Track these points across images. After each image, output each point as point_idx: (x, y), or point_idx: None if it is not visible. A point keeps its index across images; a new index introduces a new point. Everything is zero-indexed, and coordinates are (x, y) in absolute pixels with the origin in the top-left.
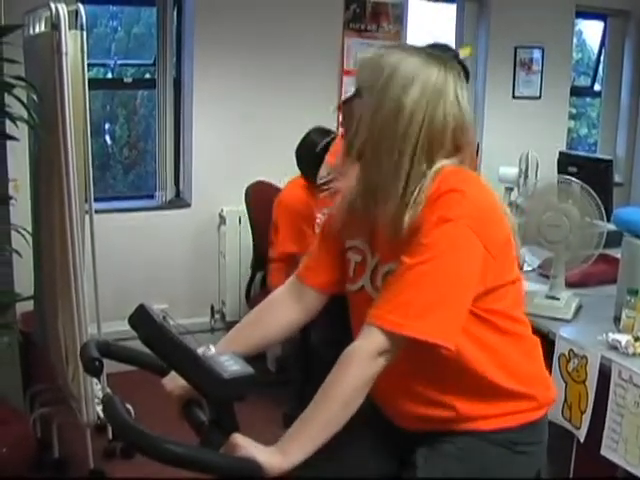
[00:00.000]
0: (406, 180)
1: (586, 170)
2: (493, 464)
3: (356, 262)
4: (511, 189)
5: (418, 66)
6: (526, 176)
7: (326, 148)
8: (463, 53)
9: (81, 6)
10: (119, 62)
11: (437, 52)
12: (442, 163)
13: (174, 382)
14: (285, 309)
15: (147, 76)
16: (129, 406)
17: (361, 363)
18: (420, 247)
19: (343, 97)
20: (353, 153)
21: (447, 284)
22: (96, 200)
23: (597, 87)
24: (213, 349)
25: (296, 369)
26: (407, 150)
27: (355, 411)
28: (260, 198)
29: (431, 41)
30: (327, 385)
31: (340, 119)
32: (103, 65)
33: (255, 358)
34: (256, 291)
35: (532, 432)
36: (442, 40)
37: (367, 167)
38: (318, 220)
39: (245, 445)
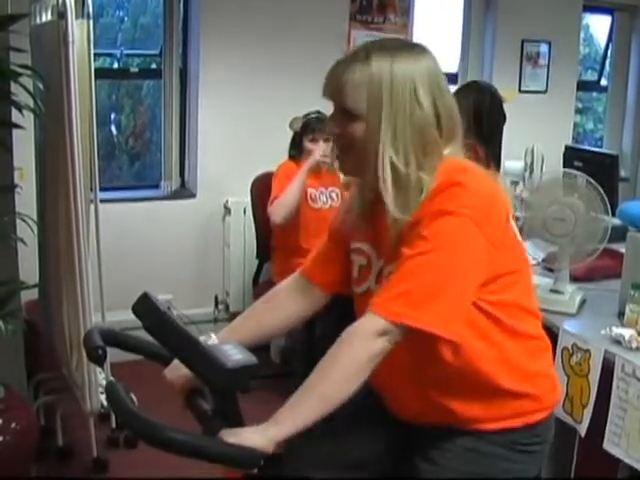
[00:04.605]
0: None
1: (592, 165)
2: (495, 465)
3: (361, 265)
4: (516, 183)
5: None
6: (531, 170)
7: (304, 127)
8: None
9: None
10: (125, 52)
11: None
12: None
13: (175, 372)
14: (290, 302)
15: (153, 66)
16: (132, 395)
17: (362, 340)
18: (420, 239)
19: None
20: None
21: (447, 275)
22: (101, 190)
23: (604, 82)
24: (214, 337)
25: (300, 362)
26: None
27: (353, 391)
28: (266, 190)
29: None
30: (326, 359)
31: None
32: (109, 55)
33: (259, 349)
34: (263, 280)
35: (535, 432)
36: (448, 31)
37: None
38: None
39: (237, 440)
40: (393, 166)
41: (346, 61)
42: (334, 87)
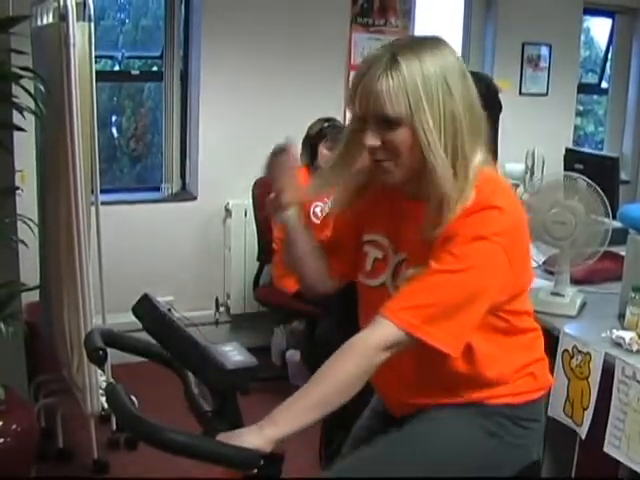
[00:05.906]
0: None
1: (592, 167)
2: (501, 435)
3: (376, 258)
4: (517, 185)
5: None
6: (532, 172)
7: (320, 134)
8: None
9: None
10: (126, 54)
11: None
12: (478, 159)
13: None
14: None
15: (154, 69)
16: (133, 397)
17: (364, 353)
18: (450, 256)
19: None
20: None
21: (467, 297)
22: (102, 192)
23: (604, 84)
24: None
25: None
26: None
27: (352, 395)
28: (267, 192)
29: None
30: (326, 367)
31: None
32: (110, 57)
33: (259, 351)
34: (264, 283)
35: (534, 410)
36: (449, 34)
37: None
38: (318, 209)
39: (235, 442)
40: (444, 163)
41: (373, 69)
42: (368, 99)
